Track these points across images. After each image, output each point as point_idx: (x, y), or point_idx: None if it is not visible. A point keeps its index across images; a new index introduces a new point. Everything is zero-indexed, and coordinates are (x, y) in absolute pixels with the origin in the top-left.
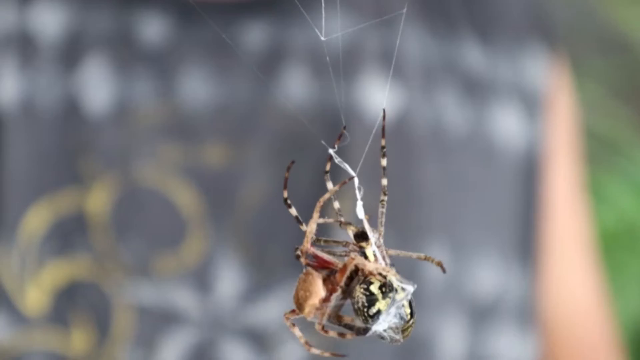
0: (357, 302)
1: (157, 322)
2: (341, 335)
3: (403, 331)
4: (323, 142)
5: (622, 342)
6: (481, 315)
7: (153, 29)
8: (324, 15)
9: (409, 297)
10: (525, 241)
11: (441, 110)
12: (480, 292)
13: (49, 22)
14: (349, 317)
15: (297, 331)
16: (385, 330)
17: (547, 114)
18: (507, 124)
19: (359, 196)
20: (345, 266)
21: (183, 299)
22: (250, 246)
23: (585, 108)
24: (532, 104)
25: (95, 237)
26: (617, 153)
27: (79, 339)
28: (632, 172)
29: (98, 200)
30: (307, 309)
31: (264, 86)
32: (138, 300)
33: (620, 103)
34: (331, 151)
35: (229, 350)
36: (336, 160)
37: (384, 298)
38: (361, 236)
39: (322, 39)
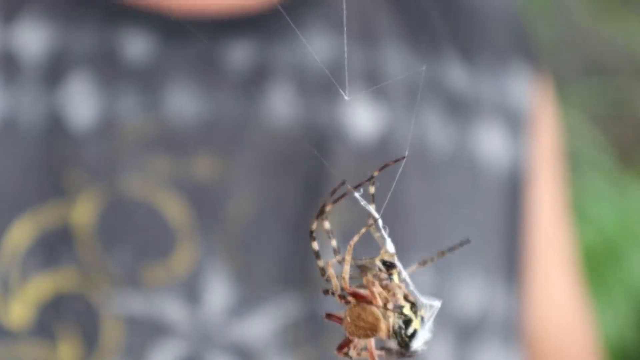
0: (394, 326)
1: (146, 333)
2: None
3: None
4: (346, 183)
5: (605, 357)
6: (467, 333)
7: (138, 45)
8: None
9: (436, 312)
10: (509, 258)
11: (425, 129)
12: (465, 310)
13: (33, 41)
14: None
15: None
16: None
17: (531, 132)
18: (491, 143)
19: (385, 235)
20: (376, 295)
21: (172, 310)
22: (239, 259)
23: (567, 132)
24: (515, 123)
25: (81, 249)
26: (597, 174)
27: (66, 352)
28: (612, 192)
29: (83, 212)
30: (379, 332)
31: (250, 102)
32: (126, 311)
33: (600, 128)
34: (357, 194)
35: None
36: (362, 203)
37: (416, 317)
38: (390, 265)
39: (346, 98)
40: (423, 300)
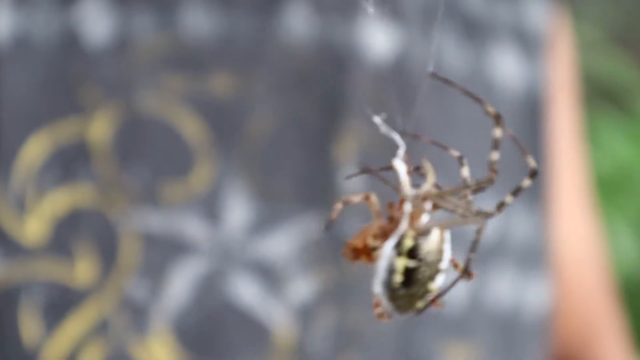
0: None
1: (165, 251)
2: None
3: (393, 300)
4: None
5: (617, 287)
6: (482, 258)
7: None
8: None
9: (390, 254)
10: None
11: (440, 51)
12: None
13: None
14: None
15: None
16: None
17: (547, 56)
18: (507, 66)
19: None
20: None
21: (191, 227)
22: (258, 177)
23: (582, 52)
24: (532, 46)
25: (98, 165)
26: (613, 98)
27: (83, 269)
28: (627, 117)
29: (100, 129)
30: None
31: (267, 19)
32: (145, 229)
33: (617, 47)
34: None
35: (238, 284)
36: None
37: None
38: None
39: (370, 10)
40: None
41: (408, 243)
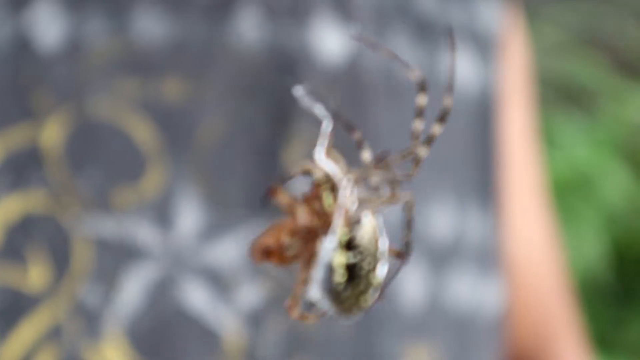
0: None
1: (118, 256)
2: (303, 317)
3: (337, 304)
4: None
5: (574, 288)
6: (440, 259)
7: None
8: None
9: (330, 253)
10: (483, 183)
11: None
12: (437, 235)
13: None
14: None
15: None
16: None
17: (501, 57)
18: (461, 67)
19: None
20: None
21: (143, 233)
22: (209, 183)
23: (544, 54)
24: (485, 48)
25: (50, 170)
26: (574, 100)
27: (36, 275)
28: (589, 119)
29: (52, 134)
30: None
31: (219, 25)
32: (97, 234)
33: (579, 49)
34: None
35: (189, 289)
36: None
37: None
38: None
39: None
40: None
41: (343, 236)
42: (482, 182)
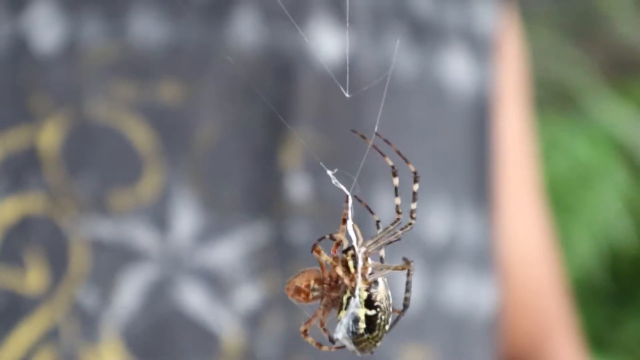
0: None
1: (115, 259)
2: (318, 345)
3: (357, 344)
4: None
5: (570, 287)
6: (436, 259)
7: None
8: None
9: (357, 308)
10: (478, 185)
11: (390, 55)
12: (433, 235)
13: None
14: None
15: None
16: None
17: (497, 59)
18: (457, 69)
19: (350, 215)
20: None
21: (140, 235)
22: (206, 185)
23: (540, 55)
24: (481, 49)
25: (48, 173)
26: (571, 101)
27: (34, 277)
28: (585, 119)
29: (50, 137)
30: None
31: (215, 28)
32: (95, 237)
33: (574, 50)
34: (330, 173)
35: (186, 291)
36: (333, 182)
37: (346, 308)
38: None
39: (347, 95)
40: (358, 291)
41: (363, 295)
42: (477, 183)
